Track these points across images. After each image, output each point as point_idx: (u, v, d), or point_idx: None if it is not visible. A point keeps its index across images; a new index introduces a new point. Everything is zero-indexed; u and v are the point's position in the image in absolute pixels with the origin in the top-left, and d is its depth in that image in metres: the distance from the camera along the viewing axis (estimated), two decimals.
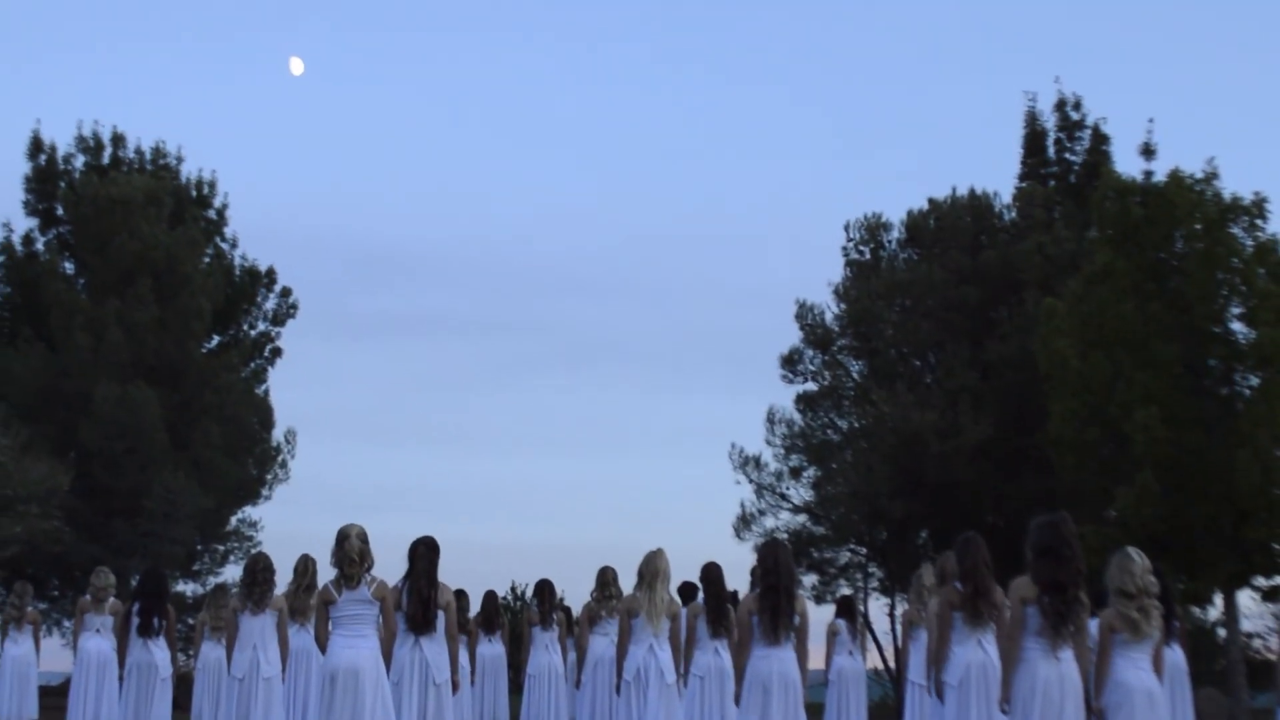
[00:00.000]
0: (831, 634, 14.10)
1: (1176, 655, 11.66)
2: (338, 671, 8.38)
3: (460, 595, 12.86)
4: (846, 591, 26.45)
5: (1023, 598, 7.41)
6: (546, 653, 13.96)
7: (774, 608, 8.64)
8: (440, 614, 9.19)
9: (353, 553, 8.55)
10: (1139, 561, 7.76)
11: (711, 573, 10.76)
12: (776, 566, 8.70)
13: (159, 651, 12.17)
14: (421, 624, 9.03)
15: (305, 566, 11.86)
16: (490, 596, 15.68)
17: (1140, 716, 7.56)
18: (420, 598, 9.02)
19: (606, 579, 12.65)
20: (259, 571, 11.43)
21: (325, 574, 9.59)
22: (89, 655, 13.03)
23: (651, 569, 10.23)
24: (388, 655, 8.72)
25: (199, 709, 13.21)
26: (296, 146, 71.84)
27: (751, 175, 70.04)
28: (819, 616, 14.97)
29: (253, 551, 16.86)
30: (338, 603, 8.56)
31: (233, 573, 26.30)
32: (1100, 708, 7.65)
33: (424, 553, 9.16)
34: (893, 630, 25.20)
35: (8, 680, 15.08)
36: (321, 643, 8.91)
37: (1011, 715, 7.38)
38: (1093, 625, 7.91)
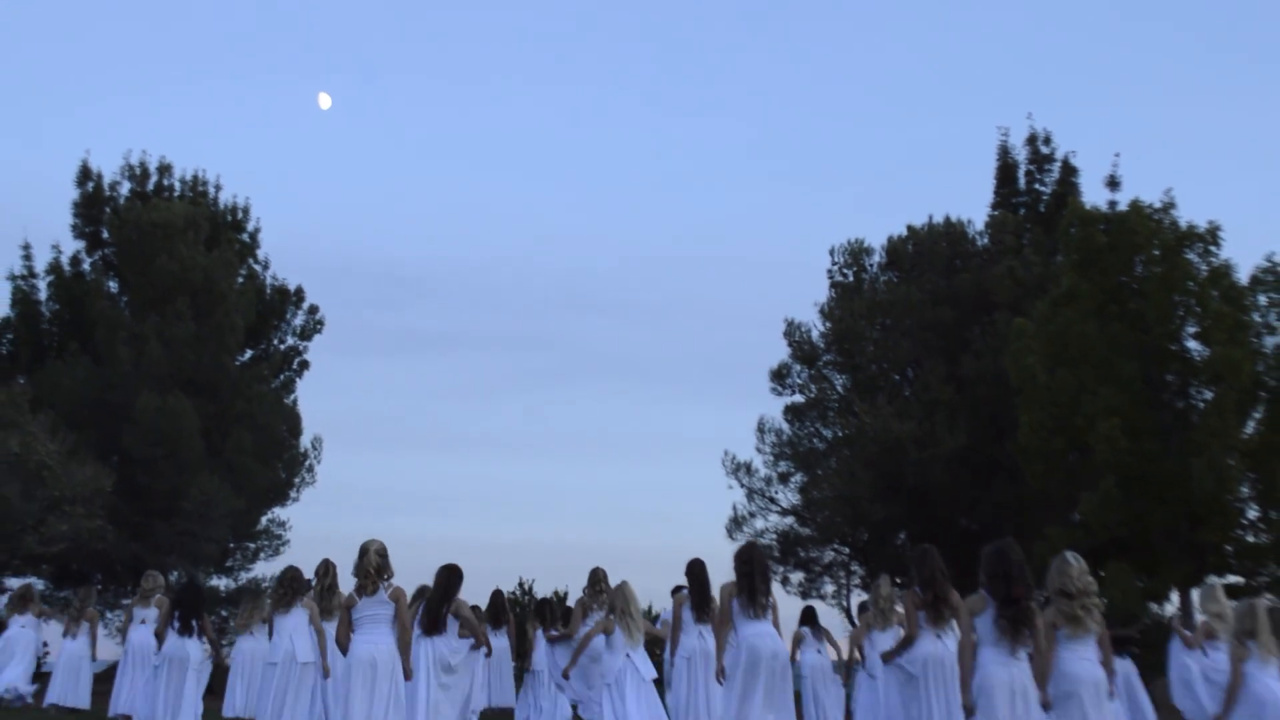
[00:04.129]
0: (797, 640, 14.61)
1: (1125, 664, 11.80)
2: (358, 663, 9.03)
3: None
4: (830, 588, 26.60)
5: (973, 611, 7.78)
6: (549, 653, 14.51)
7: (750, 586, 9.28)
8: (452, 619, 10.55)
9: (370, 566, 9.23)
10: (1075, 564, 8.08)
11: (695, 566, 11.25)
12: (750, 558, 9.43)
13: (191, 646, 12.94)
14: (431, 628, 10.44)
15: (325, 570, 12.56)
16: (497, 594, 16.14)
17: (1089, 703, 7.76)
18: (430, 611, 10.56)
19: (597, 577, 13.40)
20: (287, 581, 12.59)
21: (345, 574, 10.49)
22: (134, 645, 14.04)
23: (623, 599, 11.15)
24: (405, 649, 9.28)
25: (232, 689, 13.83)
26: (324, 175, 71.96)
27: (744, 203, 70.14)
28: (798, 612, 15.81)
29: (282, 549, 17.57)
30: (358, 606, 9.23)
31: (263, 569, 26.36)
32: (1048, 699, 7.80)
33: (444, 578, 10.66)
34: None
35: (61, 670, 15.50)
36: (341, 641, 9.37)
37: (982, 714, 7.54)
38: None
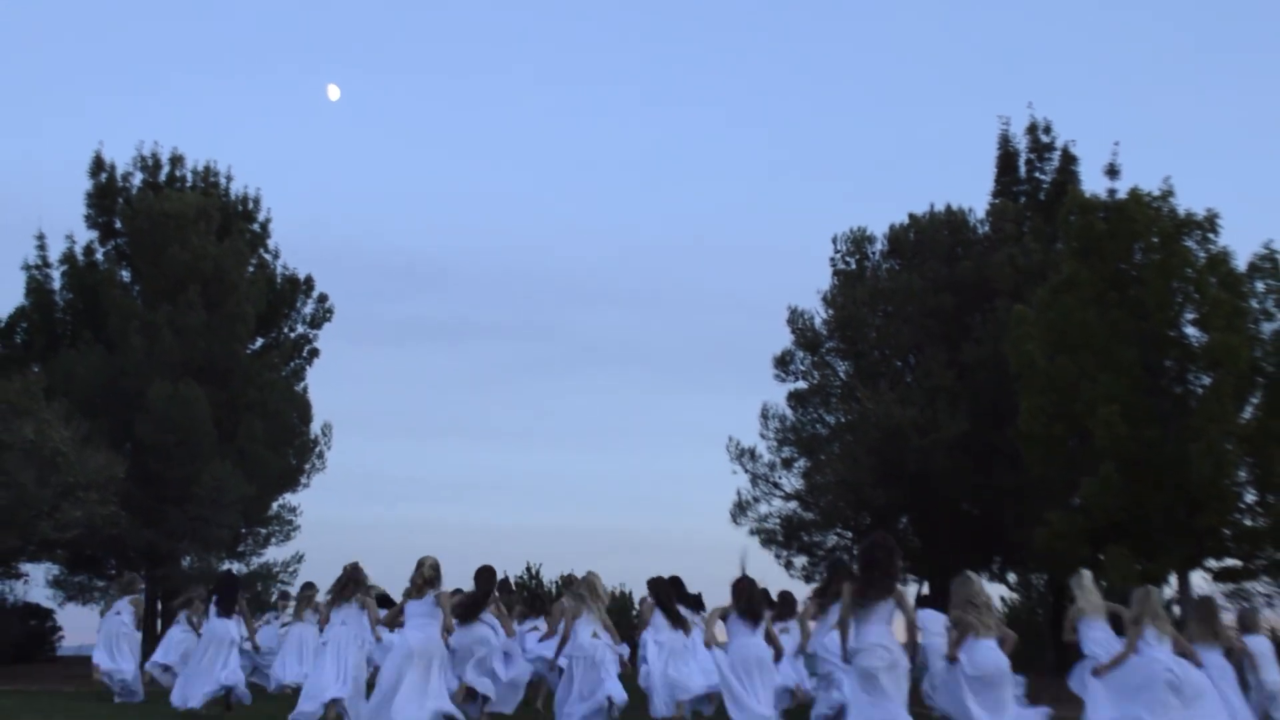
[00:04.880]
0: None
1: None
2: (412, 648, 11.01)
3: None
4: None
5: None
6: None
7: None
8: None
9: (420, 579, 11.36)
10: (975, 582, 10.73)
11: (657, 584, 13.65)
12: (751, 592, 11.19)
13: (231, 626, 15.13)
14: (468, 618, 12.58)
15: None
16: (504, 583, 17.33)
17: (997, 685, 10.23)
18: (474, 605, 12.74)
19: (570, 582, 15.17)
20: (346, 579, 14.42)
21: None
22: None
23: (590, 587, 12.91)
24: (447, 640, 11.54)
25: (283, 662, 16.81)
26: (333, 166, 71.98)
27: (748, 193, 70.08)
28: (803, 593, 17.08)
29: (293, 534, 18.92)
30: (410, 604, 11.34)
31: (274, 554, 26.41)
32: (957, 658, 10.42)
33: (489, 581, 12.94)
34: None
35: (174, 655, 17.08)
36: (391, 627, 12.46)
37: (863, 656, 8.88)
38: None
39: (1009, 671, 10.28)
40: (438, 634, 11.17)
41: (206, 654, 14.88)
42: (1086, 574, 12.46)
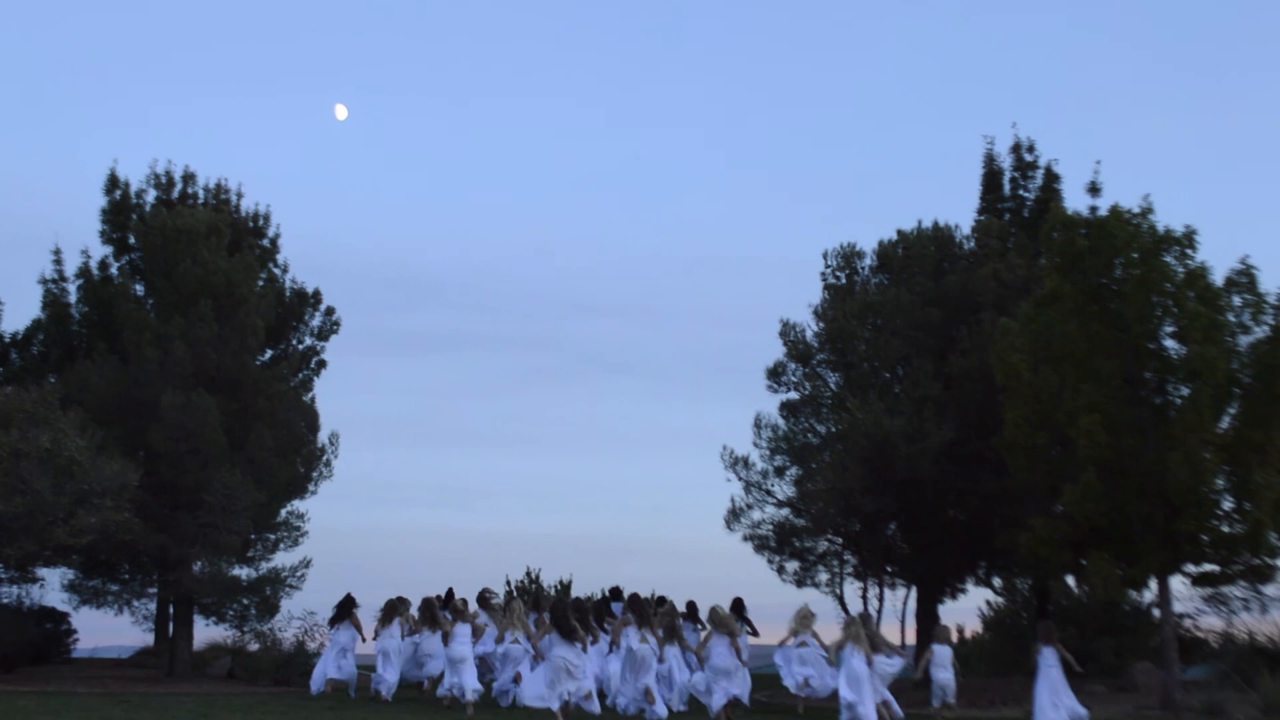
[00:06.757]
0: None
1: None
2: (458, 655, 17.58)
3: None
4: (824, 576, 26.65)
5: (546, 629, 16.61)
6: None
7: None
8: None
9: (466, 614, 18.28)
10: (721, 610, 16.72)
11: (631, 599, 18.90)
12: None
13: (344, 633, 20.37)
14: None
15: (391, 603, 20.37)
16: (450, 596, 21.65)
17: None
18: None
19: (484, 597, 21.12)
20: (421, 606, 20.47)
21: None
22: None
23: (517, 610, 18.75)
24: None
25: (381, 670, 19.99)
26: (340, 183, 72.10)
27: (743, 209, 70.22)
28: (797, 598, 19.32)
29: (300, 540, 25.72)
30: (456, 627, 17.89)
31: (283, 559, 26.33)
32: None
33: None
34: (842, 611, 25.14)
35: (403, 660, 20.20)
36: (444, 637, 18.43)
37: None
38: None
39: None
40: (470, 647, 17.74)
41: (330, 653, 20.23)
42: (805, 604, 19.24)
